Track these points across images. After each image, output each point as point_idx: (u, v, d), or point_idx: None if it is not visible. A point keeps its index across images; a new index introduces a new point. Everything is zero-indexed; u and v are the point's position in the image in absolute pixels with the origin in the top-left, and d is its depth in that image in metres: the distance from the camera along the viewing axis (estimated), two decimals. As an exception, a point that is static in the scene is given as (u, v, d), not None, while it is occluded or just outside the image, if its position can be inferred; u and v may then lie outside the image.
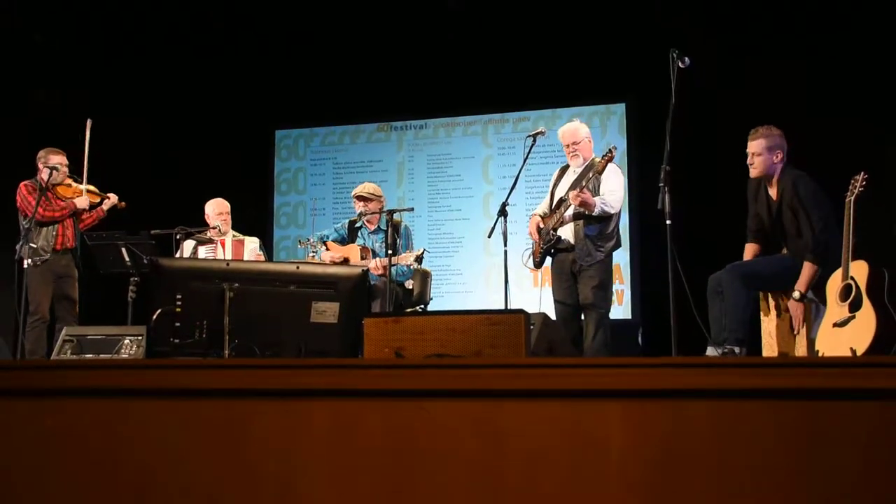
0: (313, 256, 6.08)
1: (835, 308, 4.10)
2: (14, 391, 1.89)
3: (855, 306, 4.00)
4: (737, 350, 4.31)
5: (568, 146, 5.42)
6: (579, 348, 5.12)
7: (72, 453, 1.84)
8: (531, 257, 5.50)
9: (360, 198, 6.07)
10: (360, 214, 6.06)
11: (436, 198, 8.10)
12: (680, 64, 4.32)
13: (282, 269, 3.57)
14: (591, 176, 5.21)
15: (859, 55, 6.34)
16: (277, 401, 1.79)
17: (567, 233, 5.27)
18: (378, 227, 6.06)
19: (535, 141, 5.44)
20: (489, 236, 5.57)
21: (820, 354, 4.11)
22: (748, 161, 4.56)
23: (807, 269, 4.36)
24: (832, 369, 1.65)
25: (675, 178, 4.26)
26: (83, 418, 1.85)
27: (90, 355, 4.44)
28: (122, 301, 5.78)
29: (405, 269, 5.86)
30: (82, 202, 6.12)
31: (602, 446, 1.64)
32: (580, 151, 5.38)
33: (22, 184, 6.07)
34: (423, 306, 6.02)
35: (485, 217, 7.71)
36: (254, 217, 7.88)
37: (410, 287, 5.96)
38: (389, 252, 5.59)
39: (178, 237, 6.03)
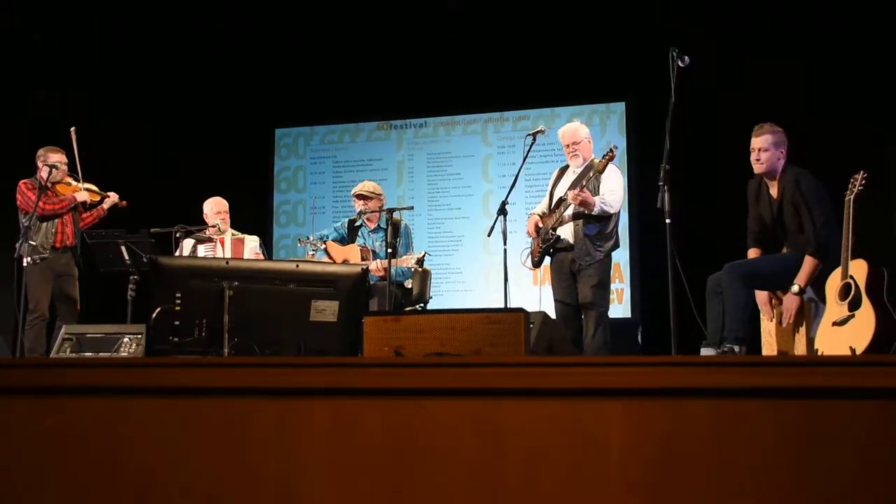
0: (313, 255, 6.07)
1: (834, 307, 4.11)
2: (13, 389, 1.89)
3: (854, 305, 4.00)
4: (736, 349, 4.31)
5: (568, 146, 5.42)
6: (579, 347, 5.12)
7: (71, 452, 1.84)
8: (529, 256, 5.50)
9: (359, 196, 6.06)
10: (360, 213, 6.06)
11: (435, 196, 8.09)
12: (680, 63, 4.32)
13: (281, 267, 3.56)
14: (591, 176, 5.21)
15: (859, 55, 6.34)
16: (277, 399, 1.79)
17: (566, 232, 5.27)
18: (378, 225, 6.05)
19: (534, 139, 5.44)
20: (489, 235, 5.57)
21: (819, 353, 4.12)
22: (754, 157, 4.55)
23: (808, 263, 4.36)
24: (831, 368, 1.65)
25: (675, 177, 4.26)
26: (82, 417, 1.85)
27: (89, 354, 4.44)
28: (121, 299, 5.78)
29: (405, 268, 5.86)
30: (82, 195, 6.12)
31: (602, 445, 1.64)
32: (580, 151, 5.38)
33: (21, 182, 6.07)
34: (422, 305, 6.02)
35: (484, 216, 7.71)
36: (254, 216, 7.88)
37: (410, 286, 5.96)
38: (389, 251, 5.59)
39: (177, 236, 6.03)
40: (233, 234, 6.34)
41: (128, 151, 7.57)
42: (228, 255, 6.13)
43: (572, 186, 5.26)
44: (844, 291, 4.07)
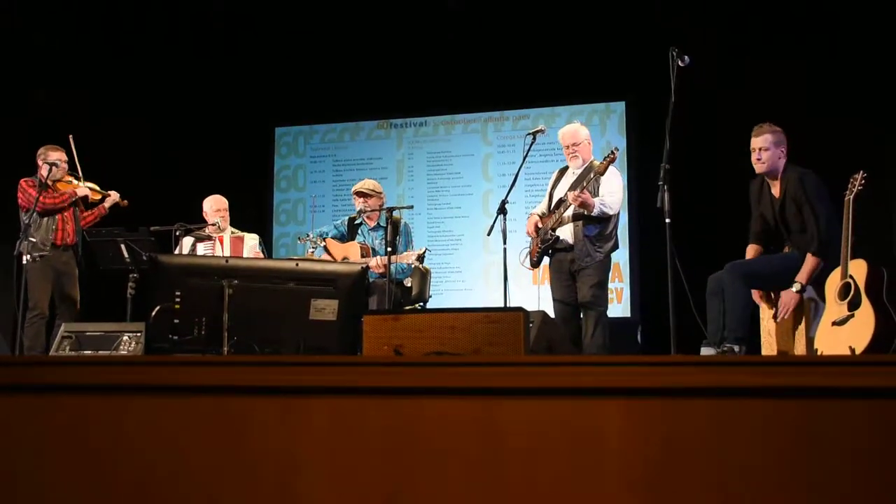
0: (313, 252, 6.07)
1: (833, 307, 4.11)
2: (11, 387, 1.89)
3: (854, 305, 4.01)
4: (736, 349, 4.32)
5: (568, 147, 5.42)
6: (578, 346, 5.12)
7: (69, 449, 1.84)
8: (528, 257, 5.51)
9: (359, 194, 6.06)
10: (360, 211, 6.06)
11: (435, 195, 8.10)
12: (680, 62, 4.32)
13: (281, 265, 3.57)
14: (591, 177, 5.21)
15: (859, 55, 6.34)
16: (277, 398, 1.79)
17: (566, 233, 5.27)
18: (378, 223, 6.05)
19: (534, 139, 5.43)
20: (488, 234, 5.57)
21: (819, 353, 4.12)
22: (755, 157, 4.55)
23: (810, 261, 4.36)
24: (831, 368, 1.65)
25: (675, 176, 4.26)
26: (81, 415, 1.85)
27: (89, 352, 4.44)
28: (120, 297, 5.78)
29: (405, 266, 5.86)
30: (83, 190, 6.12)
31: (601, 445, 1.64)
32: (580, 153, 5.39)
33: (22, 180, 6.08)
34: (422, 304, 6.02)
35: (484, 215, 7.71)
36: (253, 214, 7.88)
37: (409, 285, 5.96)
38: (389, 249, 5.59)
39: (177, 234, 6.03)
40: (232, 233, 6.34)
41: (128, 151, 7.57)
42: (228, 253, 6.13)
43: (572, 187, 5.26)
44: (844, 291, 4.07)
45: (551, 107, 7.77)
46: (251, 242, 6.33)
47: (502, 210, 5.39)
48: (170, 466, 1.79)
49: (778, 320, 4.46)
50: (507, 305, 5.29)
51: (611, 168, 5.23)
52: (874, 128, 6.28)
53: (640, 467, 1.61)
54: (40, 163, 6.06)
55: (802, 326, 4.43)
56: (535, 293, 6.10)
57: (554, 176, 5.62)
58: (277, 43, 7.81)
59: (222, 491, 1.77)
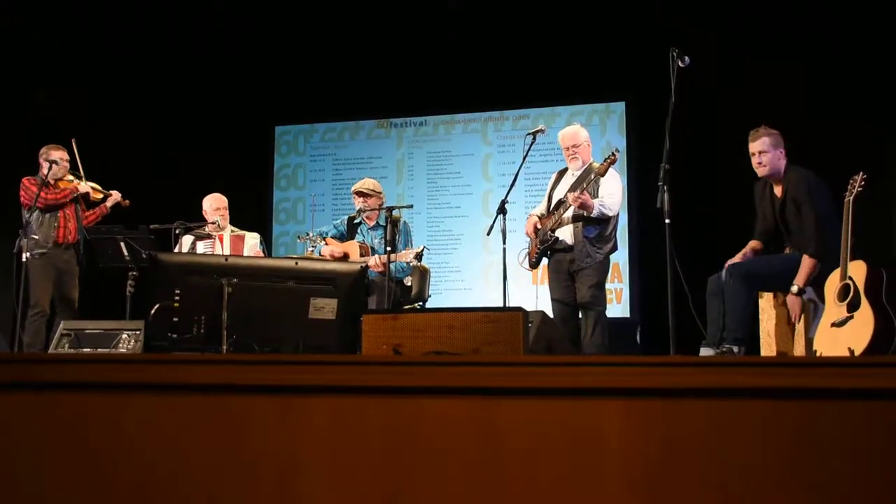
0: (312, 251, 6.07)
1: (833, 308, 4.11)
2: (11, 384, 1.89)
3: (853, 306, 4.00)
4: (736, 349, 4.32)
5: (567, 149, 5.42)
6: (577, 347, 5.13)
7: (68, 447, 1.84)
8: (527, 257, 5.51)
9: (359, 194, 6.05)
10: (360, 211, 6.05)
11: (435, 195, 8.09)
12: (680, 63, 4.31)
13: (280, 264, 3.57)
14: (591, 178, 5.22)
15: (859, 55, 6.34)
16: (276, 397, 1.79)
17: (565, 234, 5.28)
18: (377, 223, 6.05)
19: (534, 139, 5.43)
20: (488, 234, 5.56)
21: (818, 354, 4.11)
22: (756, 161, 4.55)
23: (806, 263, 4.36)
24: (830, 369, 1.65)
25: (675, 176, 4.25)
26: (80, 412, 1.85)
27: (88, 349, 4.44)
28: (120, 295, 5.78)
29: (404, 265, 5.86)
30: (84, 187, 6.13)
31: (600, 445, 1.64)
32: (579, 154, 5.39)
33: (24, 178, 6.09)
34: (421, 303, 6.02)
35: (484, 214, 7.71)
36: (253, 213, 7.88)
37: (409, 284, 5.96)
38: (388, 248, 5.59)
39: (177, 232, 6.03)
40: (232, 231, 6.34)
41: (128, 150, 7.57)
42: (227, 251, 6.13)
43: (572, 189, 5.26)
44: (843, 292, 4.06)
45: (551, 107, 7.77)
46: (252, 241, 6.33)
47: (502, 210, 5.38)
48: (169, 465, 1.79)
49: (795, 323, 4.45)
50: (507, 305, 5.29)
51: (611, 170, 5.23)
52: (874, 128, 6.28)
53: (640, 467, 1.61)
54: (42, 161, 6.07)
55: (801, 327, 4.43)
56: (534, 293, 6.10)
57: (553, 177, 5.62)
58: (277, 42, 7.80)
59: (222, 490, 1.77)
